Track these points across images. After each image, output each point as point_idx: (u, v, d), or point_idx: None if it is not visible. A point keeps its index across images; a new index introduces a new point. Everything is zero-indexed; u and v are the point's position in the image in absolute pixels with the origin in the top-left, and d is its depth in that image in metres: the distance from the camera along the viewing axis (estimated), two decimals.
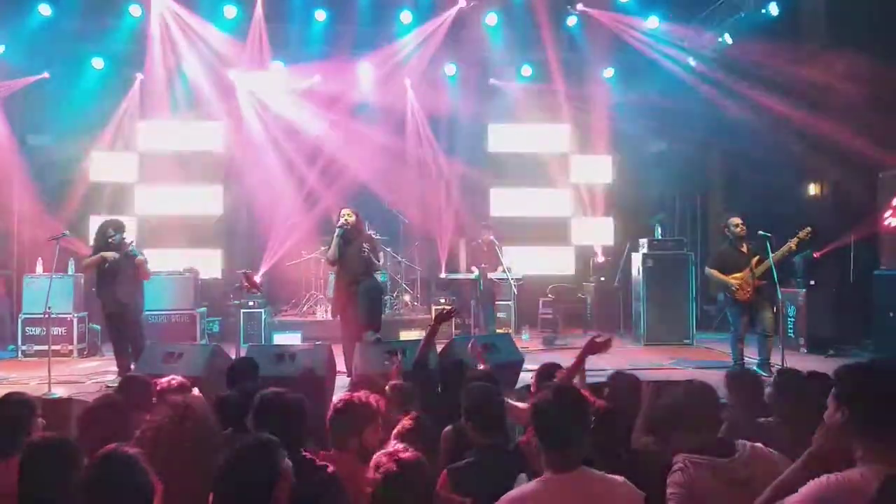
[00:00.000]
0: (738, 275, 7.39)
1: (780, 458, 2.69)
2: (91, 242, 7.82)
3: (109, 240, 7.27)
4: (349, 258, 7.26)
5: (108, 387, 6.70)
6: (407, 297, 11.00)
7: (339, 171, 10.89)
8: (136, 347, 7.15)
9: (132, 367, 6.80)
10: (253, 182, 10.88)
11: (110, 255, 7.24)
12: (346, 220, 7.30)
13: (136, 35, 10.29)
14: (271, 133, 11.19)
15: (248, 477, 2.19)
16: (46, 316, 7.53)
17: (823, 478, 2.07)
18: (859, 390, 2.16)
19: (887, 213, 8.57)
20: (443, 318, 4.92)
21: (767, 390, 3.63)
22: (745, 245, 7.48)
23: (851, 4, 9.29)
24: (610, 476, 2.49)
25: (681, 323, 9.79)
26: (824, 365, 7.67)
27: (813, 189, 10.34)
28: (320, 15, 10.56)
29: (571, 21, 10.70)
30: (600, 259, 11.61)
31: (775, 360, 7.32)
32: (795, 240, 7.17)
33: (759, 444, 2.74)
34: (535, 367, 4.36)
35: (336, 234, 7.33)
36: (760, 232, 7.33)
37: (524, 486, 2.45)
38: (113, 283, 7.24)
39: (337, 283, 7.47)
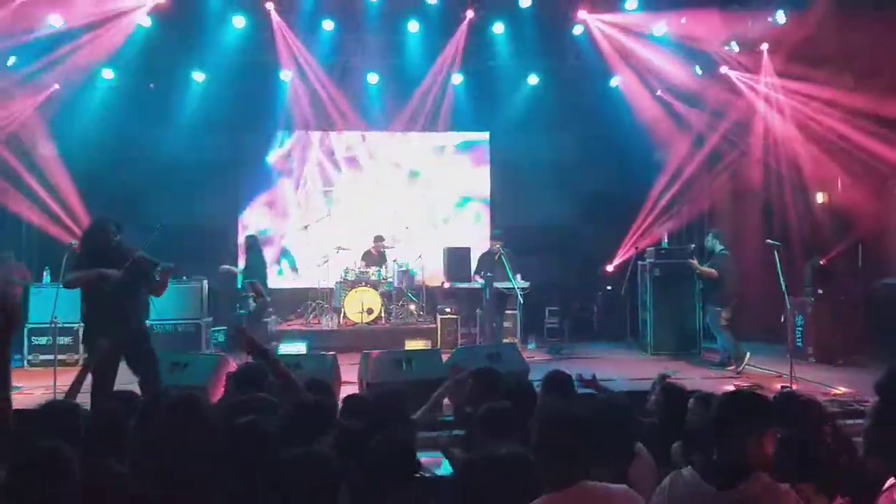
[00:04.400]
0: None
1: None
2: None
3: (115, 239, 5.56)
4: None
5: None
6: (412, 307, 10.97)
7: None
8: (153, 384, 5.35)
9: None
10: None
11: (112, 272, 5.36)
12: None
13: (147, 47, 10.21)
14: None
15: None
16: (53, 325, 7.54)
17: None
18: None
19: None
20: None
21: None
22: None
23: None
24: (611, 485, 2.46)
25: (688, 332, 9.73)
26: (833, 375, 7.65)
27: (821, 196, 10.26)
28: (328, 24, 10.54)
29: (578, 30, 10.61)
30: (608, 268, 11.56)
31: (783, 370, 7.28)
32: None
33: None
34: (541, 377, 4.32)
35: None
36: (768, 240, 7.49)
37: None
38: (121, 307, 5.45)
39: None
